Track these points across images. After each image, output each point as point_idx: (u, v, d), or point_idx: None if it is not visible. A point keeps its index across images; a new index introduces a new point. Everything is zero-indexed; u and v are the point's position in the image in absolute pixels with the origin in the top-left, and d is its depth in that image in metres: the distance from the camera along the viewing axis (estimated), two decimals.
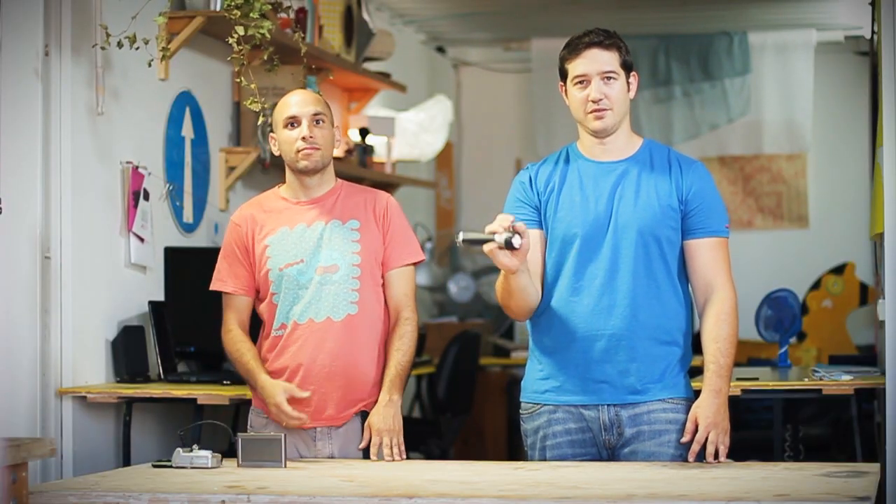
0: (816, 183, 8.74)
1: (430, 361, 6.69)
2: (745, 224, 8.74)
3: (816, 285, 8.20)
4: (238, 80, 4.45)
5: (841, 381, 4.74)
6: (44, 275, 4.46)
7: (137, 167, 4.85)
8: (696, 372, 3.72)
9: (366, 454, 3.80)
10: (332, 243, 3.83)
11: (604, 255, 3.61)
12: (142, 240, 4.86)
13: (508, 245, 3.38)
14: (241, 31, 4.34)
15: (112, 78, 4.72)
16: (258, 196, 4.02)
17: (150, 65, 4.59)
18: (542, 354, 3.69)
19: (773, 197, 8.78)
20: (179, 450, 3.59)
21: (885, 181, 4.36)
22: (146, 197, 4.89)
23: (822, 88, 8.49)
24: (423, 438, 6.49)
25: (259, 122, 4.99)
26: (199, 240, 5.32)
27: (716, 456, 3.54)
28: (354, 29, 6.40)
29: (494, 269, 3.86)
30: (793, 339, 6.22)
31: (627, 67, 3.64)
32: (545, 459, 3.66)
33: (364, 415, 3.84)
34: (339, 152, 3.99)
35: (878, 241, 4.90)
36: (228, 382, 4.68)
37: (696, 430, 3.57)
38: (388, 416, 3.79)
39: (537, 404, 3.69)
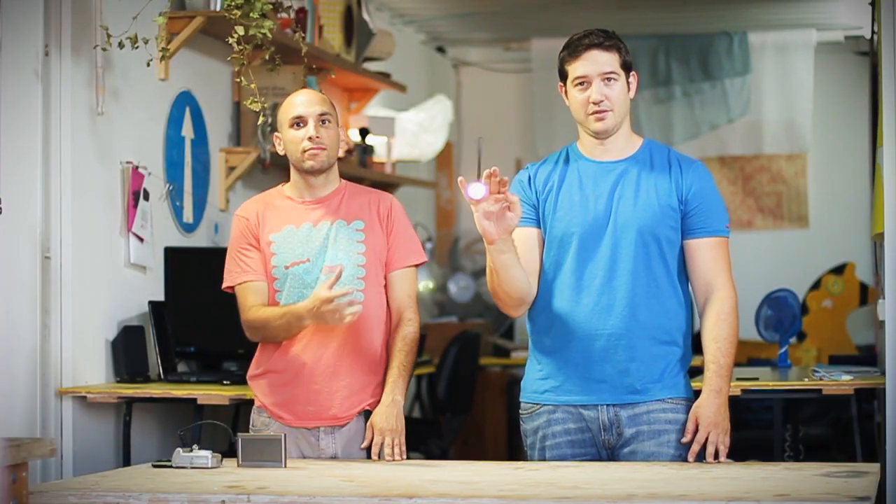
0: (816, 183, 8.74)
1: (430, 361, 6.69)
2: (745, 224, 8.74)
3: (816, 285, 8.20)
4: (238, 79, 4.44)
5: (841, 381, 4.74)
6: (44, 275, 4.46)
7: (137, 167, 4.85)
8: (697, 372, 3.72)
9: (368, 453, 3.80)
10: (337, 243, 3.83)
11: (603, 254, 3.61)
12: (141, 240, 4.86)
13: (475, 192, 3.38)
14: (241, 30, 4.34)
15: (112, 78, 4.72)
16: (261, 193, 4.01)
17: (149, 65, 4.59)
18: (541, 354, 3.69)
19: (773, 197, 8.78)
20: (179, 450, 3.59)
21: (885, 181, 4.36)
22: (146, 197, 4.89)
23: (822, 88, 8.49)
24: (423, 438, 6.49)
25: (259, 122, 4.99)
26: (199, 240, 5.33)
27: (716, 456, 3.54)
28: (354, 29, 6.40)
29: None
30: (793, 339, 6.22)
31: (627, 68, 3.64)
32: (545, 459, 3.66)
33: (367, 414, 3.84)
34: (339, 152, 4.00)
35: (878, 241, 4.90)
36: (228, 382, 4.69)
37: (696, 430, 3.57)
38: (391, 416, 3.79)
39: (537, 404, 3.69)
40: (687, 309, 3.68)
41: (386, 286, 3.90)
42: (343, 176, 4.00)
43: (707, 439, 3.55)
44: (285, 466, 3.56)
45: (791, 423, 5.62)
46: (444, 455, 6.51)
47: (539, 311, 3.69)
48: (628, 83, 3.65)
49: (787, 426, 5.53)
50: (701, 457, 3.55)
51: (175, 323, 4.95)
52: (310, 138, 3.82)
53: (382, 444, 3.78)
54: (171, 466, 3.58)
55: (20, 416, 4.33)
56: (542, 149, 8.25)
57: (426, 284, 8.00)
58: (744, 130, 8.60)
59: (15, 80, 4.32)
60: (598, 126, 3.62)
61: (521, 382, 3.77)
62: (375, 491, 3.13)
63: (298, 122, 3.84)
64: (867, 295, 8.05)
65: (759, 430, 6.57)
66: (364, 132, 6.67)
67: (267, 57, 4.51)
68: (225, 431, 4.22)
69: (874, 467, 3.46)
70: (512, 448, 7.59)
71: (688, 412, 3.60)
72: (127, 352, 4.76)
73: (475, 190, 3.42)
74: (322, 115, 3.84)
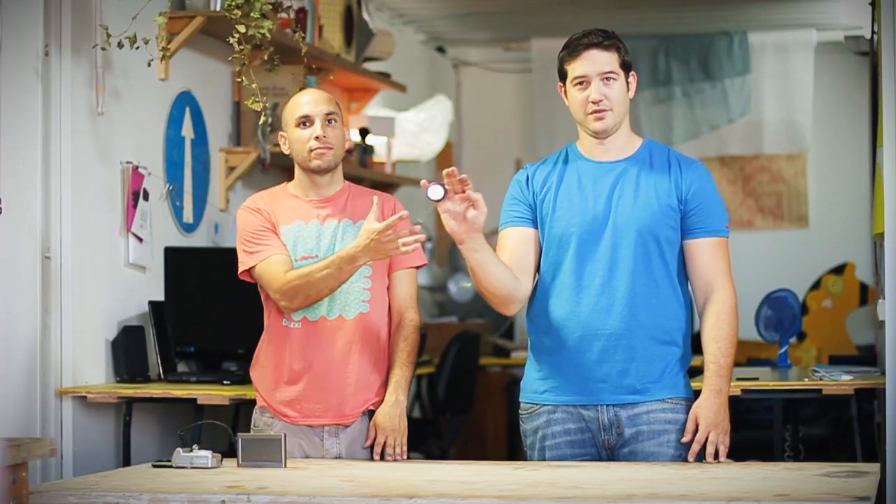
0: (816, 183, 8.74)
1: (430, 361, 6.69)
2: (745, 224, 8.74)
3: (816, 285, 8.20)
4: (239, 79, 4.45)
5: (841, 381, 4.74)
6: (44, 275, 4.46)
7: (137, 167, 4.85)
8: (697, 372, 3.72)
9: (370, 453, 3.80)
10: (344, 242, 3.83)
11: (602, 254, 3.61)
12: (140, 240, 4.86)
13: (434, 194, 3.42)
14: (242, 29, 4.34)
15: (112, 78, 4.72)
16: (266, 190, 3.99)
17: (149, 65, 4.59)
18: (541, 354, 3.69)
19: (773, 197, 8.78)
20: (179, 450, 3.59)
21: (885, 181, 4.36)
22: (146, 197, 4.89)
23: (822, 88, 8.49)
24: (423, 438, 6.49)
25: (260, 122, 4.99)
26: (199, 240, 5.33)
27: (716, 456, 3.54)
28: (354, 29, 6.40)
29: None
30: (793, 339, 6.22)
31: (627, 67, 3.64)
32: (544, 459, 3.66)
33: (371, 414, 3.84)
34: None
35: (878, 241, 4.90)
36: (228, 382, 4.69)
37: (696, 430, 3.57)
38: (394, 416, 3.80)
39: (536, 404, 3.70)
40: (687, 309, 3.68)
41: (388, 287, 3.90)
42: (343, 176, 4.00)
43: (707, 439, 3.55)
44: (285, 466, 3.56)
45: (791, 423, 5.62)
46: (444, 455, 6.51)
47: (539, 311, 3.69)
48: (628, 83, 3.65)
49: (787, 426, 5.53)
50: (701, 457, 3.55)
51: (175, 323, 4.95)
52: (316, 138, 3.82)
53: (384, 444, 3.78)
54: (171, 466, 3.58)
55: (20, 416, 4.32)
56: (543, 149, 8.25)
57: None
58: (744, 130, 8.60)
59: (15, 80, 4.32)
60: (598, 125, 3.62)
61: (521, 382, 3.77)
62: (375, 491, 3.13)
63: (305, 121, 3.84)
64: (867, 295, 8.05)
65: (759, 430, 6.57)
66: (364, 132, 6.67)
67: (266, 57, 4.51)
68: (225, 431, 4.22)
69: (874, 467, 3.46)
70: (512, 448, 7.59)
71: (688, 412, 3.60)
72: (127, 352, 4.76)
73: (434, 191, 3.45)
74: (328, 114, 3.84)
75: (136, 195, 4.84)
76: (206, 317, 5.01)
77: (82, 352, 4.59)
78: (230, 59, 4.43)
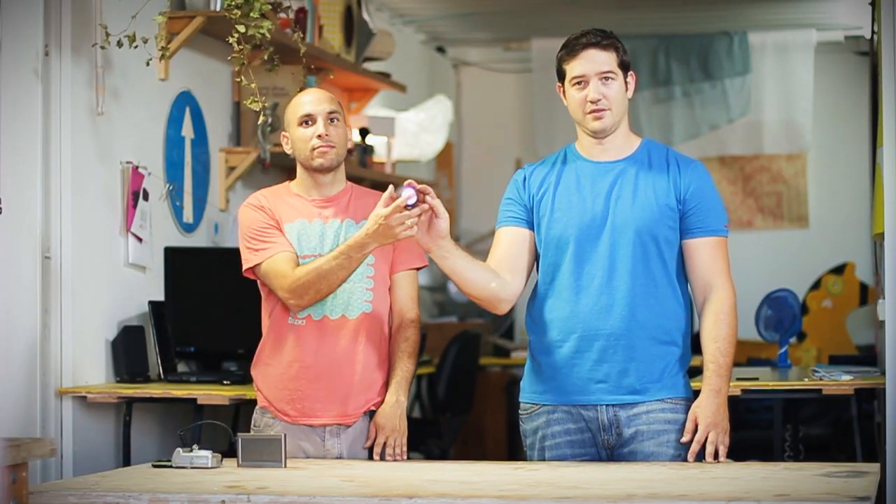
0: (816, 183, 8.74)
1: (430, 361, 6.69)
2: (745, 224, 8.74)
3: (816, 285, 8.20)
4: (238, 79, 4.45)
5: (841, 381, 4.74)
6: (44, 275, 4.46)
7: (137, 167, 4.85)
8: (697, 372, 3.72)
9: (370, 453, 3.80)
10: None
11: (601, 254, 3.61)
12: (140, 240, 4.86)
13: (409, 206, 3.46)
14: (241, 29, 4.34)
15: (112, 78, 4.72)
16: (268, 188, 3.99)
17: (149, 64, 4.59)
18: (540, 354, 3.69)
19: (773, 197, 8.78)
20: (179, 450, 3.59)
21: (885, 181, 4.36)
22: (146, 197, 4.89)
23: (822, 88, 8.49)
24: (423, 438, 6.49)
25: (260, 122, 4.99)
26: (199, 240, 5.33)
27: (715, 456, 3.54)
28: (354, 29, 6.40)
29: None
30: (793, 339, 6.22)
31: (625, 67, 3.64)
32: (544, 459, 3.66)
33: (372, 414, 3.84)
34: None
35: (878, 241, 4.90)
36: (228, 382, 4.69)
37: (695, 430, 3.57)
38: (394, 416, 3.80)
39: (536, 404, 3.70)
40: (686, 309, 3.68)
41: (389, 288, 3.91)
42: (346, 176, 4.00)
43: (707, 439, 3.55)
44: (285, 466, 3.56)
45: (791, 423, 5.62)
46: (444, 455, 6.51)
47: (538, 311, 3.69)
48: (626, 83, 3.65)
49: (787, 426, 5.53)
50: (701, 457, 3.55)
51: (175, 323, 4.95)
52: (319, 136, 3.82)
53: (384, 444, 3.78)
54: (171, 466, 3.58)
55: (20, 416, 4.32)
56: (543, 149, 8.25)
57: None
58: (744, 130, 8.60)
59: (15, 80, 4.32)
60: (596, 125, 3.62)
61: (521, 383, 3.77)
62: (375, 491, 3.13)
63: (307, 120, 3.84)
64: (867, 295, 8.05)
65: (759, 430, 6.57)
66: (364, 132, 6.67)
67: (266, 57, 4.51)
68: (225, 431, 4.22)
69: (874, 467, 3.46)
70: (512, 448, 7.59)
71: (687, 412, 3.60)
72: (127, 352, 4.76)
73: (407, 193, 3.46)
74: (331, 113, 3.84)
75: (136, 195, 4.84)
76: (206, 317, 5.01)
77: (82, 352, 4.59)
78: (230, 58, 4.43)
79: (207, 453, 3.58)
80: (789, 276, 7.83)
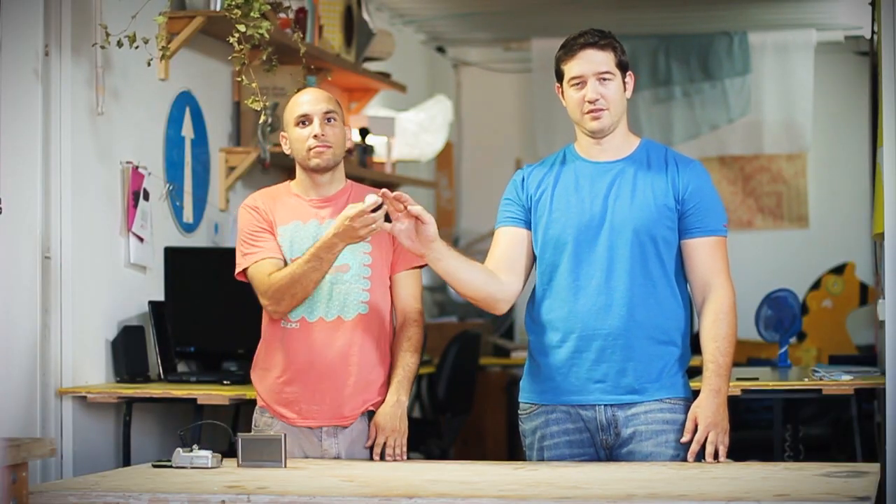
0: (816, 183, 8.74)
1: (430, 361, 6.69)
2: (745, 224, 8.74)
3: (816, 285, 8.20)
4: (239, 79, 4.45)
5: (841, 381, 4.74)
6: (44, 275, 4.46)
7: (137, 167, 4.85)
8: (697, 372, 3.72)
9: (371, 453, 3.80)
10: None
11: (600, 254, 3.61)
12: (141, 240, 4.87)
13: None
14: (242, 28, 4.34)
15: (112, 78, 4.72)
16: (268, 188, 4.00)
17: (149, 64, 4.59)
18: (539, 355, 3.70)
19: (773, 197, 8.78)
20: (179, 450, 3.59)
21: (885, 181, 4.36)
22: (146, 197, 4.89)
23: (822, 88, 8.49)
24: (423, 438, 6.49)
25: (260, 122, 4.99)
26: (199, 240, 5.33)
27: (715, 456, 3.54)
28: (354, 29, 6.40)
29: None
30: (793, 339, 6.22)
31: (623, 67, 3.64)
32: (543, 460, 3.66)
33: (371, 414, 3.84)
34: None
35: (878, 241, 4.90)
36: (228, 382, 4.69)
37: (695, 430, 3.57)
38: (395, 416, 3.79)
39: (535, 404, 3.70)
40: (685, 309, 3.68)
41: (391, 288, 3.90)
42: (345, 175, 3.99)
43: (706, 439, 3.55)
44: (285, 466, 3.56)
45: (791, 423, 5.62)
46: (444, 455, 6.51)
47: (537, 311, 3.69)
48: (624, 83, 3.65)
49: (787, 426, 5.53)
50: (700, 457, 3.55)
51: (175, 323, 4.95)
52: (315, 136, 3.81)
53: (385, 444, 3.78)
54: (171, 466, 3.58)
55: (20, 416, 4.32)
56: (543, 149, 8.25)
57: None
58: (744, 130, 8.60)
59: (15, 80, 4.32)
60: (594, 125, 3.62)
61: (520, 383, 3.77)
62: (375, 491, 3.13)
63: (304, 120, 3.84)
64: (867, 295, 8.05)
65: (759, 430, 6.57)
66: (364, 132, 6.67)
67: (265, 57, 4.51)
68: (225, 431, 4.22)
69: (874, 467, 3.46)
70: (512, 448, 7.59)
71: (686, 412, 3.60)
72: (127, 352, 4.76)
73: (370, 200, 3.52)
74: (327, 112, 3.84)
75: (137, 195, 4.84)
76: (206, 317, 5.01)
77: (82, 352, 4.59)
78: (230, 58, 4.43)
79: (207, 453, 3.58)
80: (789, 276, 7.83)
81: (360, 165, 6.53)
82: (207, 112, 5.42)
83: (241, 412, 4.95)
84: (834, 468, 3.40)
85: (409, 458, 3.83)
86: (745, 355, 7.16)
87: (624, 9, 7.75)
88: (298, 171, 3.91)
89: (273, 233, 3.85)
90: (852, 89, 8.28)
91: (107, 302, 4.74)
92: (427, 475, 3.45)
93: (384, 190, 3.52)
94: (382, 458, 3.78)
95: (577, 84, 3.61)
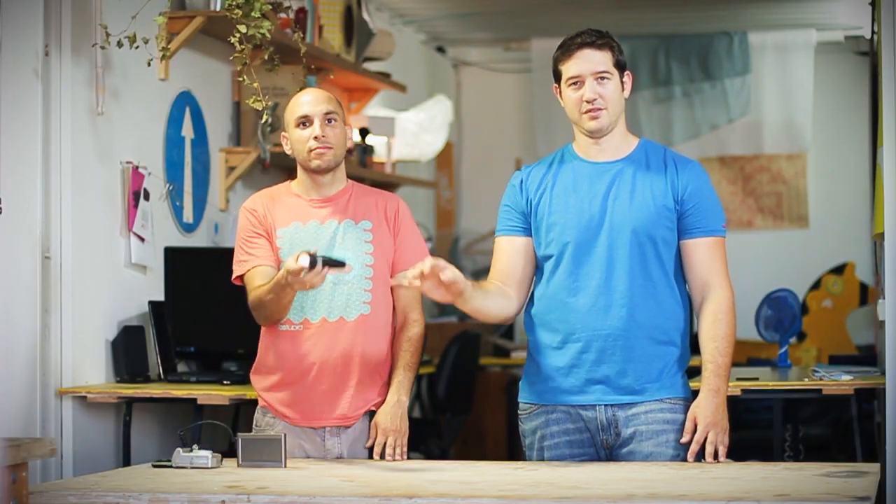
0: (816, 183, 8.74)
1: (430, 361, 6.69)
2: (745, 224, 8.74)
3: (816, 285, 8.20)
4: (240, 79, 4.45)
5: (841, 381, 4.74)
6: (44, 275, 4.46)
7: (137, 167, 4.85)
8: (696, 372, 3.71)
9: (371, 453, 3.80)
10: (345, 243, 3.83)
11: (599, 255, 3.60)
12: (142, 240, 4.87)
13: (323, 263, 3.49)
14: (243, 29, 4.34)
15: (112, 78, 4.72)
16: (269, 188, 4.00)
17: (149, 64, 4.59)
18: (539, 355, 3.70)
19: (773, 197, 8.78)
20: (179, 450, 3.59)
21: (885, 181, 4.36)
22: (146, 197, 4.89)
23: (822, 88, 8.49)
24: (423, 438, 6.49)
25: (262, 121, 4.99)
26: (199, 240, 5.33)
27: (715, 456, 3.54)
28: (354, 29, 6.40)
29: None
30: (793, 339, 6.22)
31: (621, 67, 3.64)
32: (543, 460, 3.66)
33: (372, 414, 3.84)
34: None
35: (878, 241, 4.90)
36: (228, 382, 4.69)
37: (695, 430, 3.57)
38: (395, 416, 3.80)
39: (535, 405, 3.70)
40: (685, 309, 3.68)
41: (391, 287, 3.90)
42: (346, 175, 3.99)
43: (706, 439, 3.55)
44: (285, 466, 3.56)
45: (791, 423, 5.62)
46: (444, 455, 6.51)
47: (537, 312, 3.70)
48: (622, 82, 3.65)
49: (787, 426, 5.53)
50: (700, 456, 3.55)
51: (175, 323, 4.95)
52: (315, 137, 3.81)
53: (385, 444, 3.78)
54: (171, 466, 3.58)
55: (20, 416, 4.32)
56: (542, 149, 8.25)
57: None
58: (744, 130, 8.59)
59: (15, 80, 4.32)
60: (593, 125, 3.62)
61: (520, 383, 3.77)
62: (375, 491, 3.14)
63: (304, 121, 3.84)
64: (867, 295, 8.05)
65: (759, 430, 6.56)
66: (364, 132, 6.67)
67: (266, 57, 4.51)
68: (225, 431, 4.22)
69: (874, 467, 3.46)
70: (512, 448, 7.59)
71: (686, 412, 3.60)
72: (127, 352, 4.76)
73: (303, 259, 3.50)
74: (328, 113, 3.84)
75: (137, 195, 4.84)
76: (206, 317, 5.01)
77: (82, 352, 4.59)
78: (231, 58, 4.43)
79: (207, 453, 3.58)
80: (789, 276, 7.83)
81: (360, 165, 6.53)
82: (207, 112, 5.42)
83: (241, 412, 4.95)
84: (834, 468, 3.40)
85: (409, 458, 3.83)
86: (745, 355, 7.16)
87: (624, 9, 7.75)
88: (299, 171, 3.91)
89: (269, 237, 3.85)
90: (852, 89, 8.28)
91: (107, 302, 4.74)
92: (427, 475, 3.45)
93: (422, 269, 3.47)
94: (382, 457, 3.78)
95: (575, 84, 3.61)
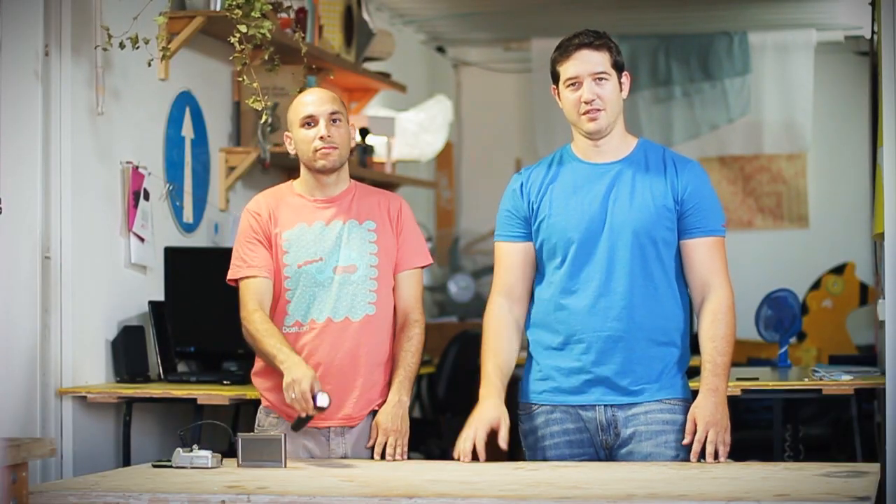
0: (816, 183, 8.74)
1: (430, 361, 6.69)
2: (745, 224, 8.74)
3: (816, 285, 8.20)
4: (240, 79, 4.44)
5: (841, 381, 4.74)
6: (44, 275, 4.46)
7: (137, 167, 4.85)
8: (697, 372, 3.71)
9: (373, 452, 3.80)
10: (350, 243, 3.83)
11: (599, 256, 3.60)
12: (142, 240, 4.86)
13: (309, 418, 3.60)
14: (243, 29, 4.34)
15: (112, 78, 4.72)
16: (272, 189, 3.99)
17: (149, 64, 4.59)
18: (539, 355, 3.70)
19: (773, 197, 8.78)
20: (179, 450, 3.59)
21: (885, 181, 4.36)
22: (146, 197, 4.89)
23: (822, 88, 8.49)
24: (423, 438, 6.49)
25: (262, 121, 4.99)
26: (199, 240, 5.32)
27: (716, 455, 3.53)
28: (354, 29, 6.40)
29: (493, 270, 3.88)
30: (793, 339, 6.22)
31: (619, 67, 3.64)
32: (543, 459, 3.66)
33: (373, 414, 3.84)
34: None
35: (878, 241, 4.90)
36: (228, 382, 4.68)
37: (696, 431, 3.56)
38: (396, 416, 3.80)
39: (535, 405, 3.70)
40: (685, 310, 3.68)
41: (393, 287, 3.90)
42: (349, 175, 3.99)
43: (707, 438, 3.55)
44: (285, 466, 3.56)
45: (791, 423, 5.62)
46: (444, 455, 6.50)
47: (537, 312, 3.70)
48: (620, 83, 3.65)
49: (787, 426, 5.53)
50: (703, 456, 3.55)
51: (175, 323, 4.95)
52: (321, 138, 3.81)
53: (385, 444, 3.78)
54: (171, 466, 3.58)
55: (20, 416, 4.32)
56: (542, 149, 8.25)
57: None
58: (744, 130, 8.60)
59: (15, 80, 4.32)
60: (591, 126, 3.61)
61: (520, 383, 3.77)
62: (375, 491, 3.14)
63: (309, 121, 3.84)
64: (867, 295, 8.05)
65: (759, 430, 6.57)
66: (364, 132, 6.67)
67: (266, 57, 4.51)
68: (225, 431, 4.22)
69: (874, 467, 3.46)
70: (512, 448, 7.58)
71: (686, 413, 3.60)
72: (127, 352, 4.76)
73: (322, 399, 3.58)
74: (333, 113, 3.84)
75: (137, 195, 4.84)
76: (206, 317, 5.00)
77: (82, 352, 4.59)
78: (231, 58, 4.43)
79: (207, 453, 3.58)
80: (789, 276, 7.83)
81: (360, 165, 6.53)
82: (207, 112, 5.42)
83: (241, 412, 4.95)
84: (834, 468, 3.40)
85: (409, 457, 3.83)
86: (745, 355, 7.16)
87: (624, 9, 7.75)
88: (303, 171, 3.90)
89: (270, 243, 3.85)
90: (852, 89, 8.28)
91: (107, 302, 4.74)
92: (427, 475, 3.45)
93: (473, 449, 3.70)
94: (383, 457, 3.78)
95: (573, 85, 3.61)
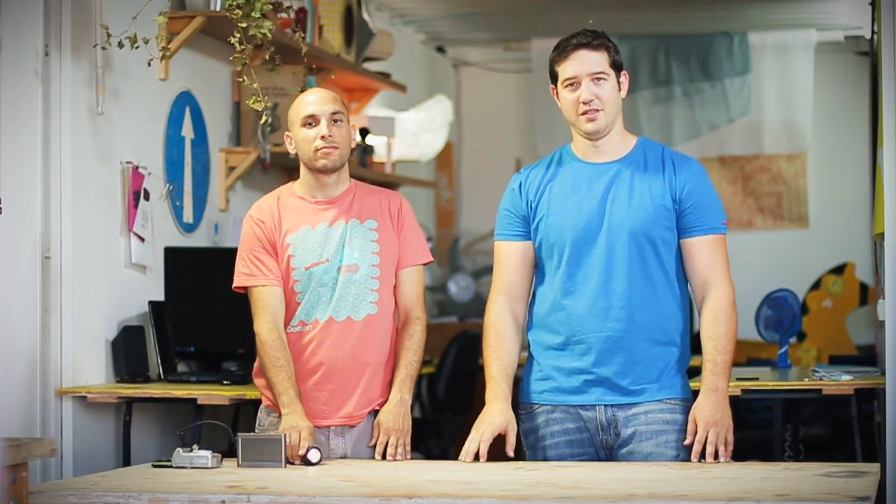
0: (816, 183, 8.74)
1: (430, 361, 6.69)
2: (745, 224, 8.74)
3: (816, 285, 8.20)
4: (240, 79, 4.44)
5: (841, 381, 4.74)
6: (44, 275, 4.46)
7: (137, 167, 4.85)
8: (697, 372, 3.71)
9: (374, 452, 3.80)
10: (352, 243, 3.83)
11: (598, 256, 3.60)
12: (142, 240, 4.87)
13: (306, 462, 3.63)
14: (243, 26, 4.34)
15: (112, 78, 4.72)
16: (273, 192, 3.99)
17: (149, 64, 4.59)
18: (539, 355, 3.70)
19: (773, 197, 8.78)
20: (179, 450, 3.59)
21: (885, 181, 4.36)
22: (146, 197, 4.89)
23: (822, 88, 8.49)
24: (423, 438, 6.49)
25: (262, 121, 4.99)
26: (199, 240, 5.33)
27: (716, 455, 3.53)
28: (354, 29, 6.40)
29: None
30: (793, 339, 6.22)
31: (617, 67, 3.64)
32: (543, 459, 3.66)
33: (375, 413, 3.84)
34: None
35: (878, 241, 4.90)
36: (228, 382, 4.69)
37: (697, 431, 3.56)
38: (398, 415, 3.80)
39: (535, 404, 3.70)
40: (685, 309, 3.68)
41: (394, 286, 3.90)
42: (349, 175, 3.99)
43: (707, 439, 3.54)
44: (285, 466, 3.56)
45: (791, 423, 5.62)
46: (444, 455, 6.51)
47: (537, 312, 3.70)
48: (619, 83, 3.65)
49: (787, 426, 5.53)
50: (703, 457, 3.55)
51: (175, 323, 4.95)
52: (322, 137, 3.81)
53: (387, 443, 3.78)
54: (171, 466, 3.58)
55: (20, 416, 4.32)
56: (543, 149, 8.25)
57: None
58: (744, 130, 8.60)
59: (15, 80, 4.32)
60: (590, 126, 3.61)
61: (521, 383, 3.77)
62: (375, 491, 3.13)
63: (311, 121, 3.83)
64: (867, 295, 8.05)
65: (759, 430, 6.56)
66: (364, 132, 6.67)
67: (267, 57, 4.51)
68: (225, 431, 4.22)
69: (874, 467, 3.46)
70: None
71: (686, 413, 3.60)
72: (127, 352, 4.76)
73: (313, 455, 3.63)
74: (334, 113, 3.84)
75: (137, 195, 4.84)
76: (206, 317, 5.01)
77: (82, 352, 4.59)
78: (231, 58, 4.43)
79: (207, 453, 3.58)
80: (789, 276, 7.83)
81: (361, 165, 6.53)
82: (207, 112, 5.42)
83: (241, 412, 4.95)
84: (834, 468, 3.40)
85: (410, 457, 3.83)
86: (745, 355, 7.16)
87: (624, 9, 7.74)
88: (303, 171, 3.90)
89: (275, 249, 3.84)
90: (852, 89, 8.29)
91: (107, 302, 4.74)
92: (427, 475, 3.45)
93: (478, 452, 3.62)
94: (384, 457, 3.77)
95: (572, 85, 3.61)
